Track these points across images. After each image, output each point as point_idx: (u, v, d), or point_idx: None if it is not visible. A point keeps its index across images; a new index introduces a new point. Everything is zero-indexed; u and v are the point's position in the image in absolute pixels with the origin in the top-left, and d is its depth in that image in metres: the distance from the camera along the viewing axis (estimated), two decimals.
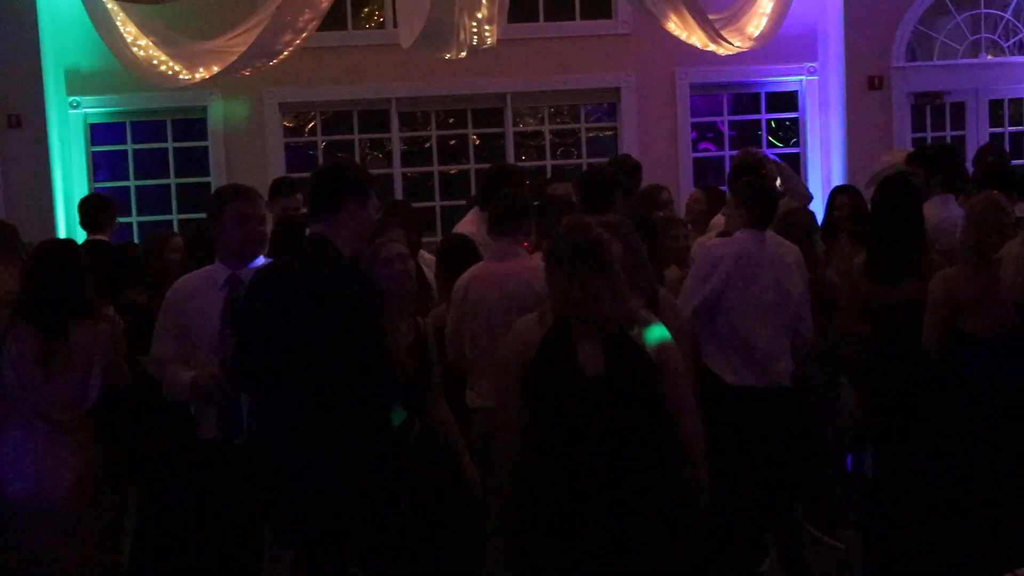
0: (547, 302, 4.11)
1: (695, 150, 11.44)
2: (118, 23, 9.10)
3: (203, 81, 9.32)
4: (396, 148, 11.13)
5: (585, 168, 9.74)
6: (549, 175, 9.65)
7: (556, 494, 3.93)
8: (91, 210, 7.76)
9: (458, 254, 5.67)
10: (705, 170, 11.51)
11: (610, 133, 11.47)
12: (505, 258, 5.20)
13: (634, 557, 3.88)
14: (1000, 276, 5.02)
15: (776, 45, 10.24)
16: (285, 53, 9.03)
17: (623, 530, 3.89)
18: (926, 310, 5.16)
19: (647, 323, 4.08)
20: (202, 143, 10.83)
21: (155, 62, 9.16)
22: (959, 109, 11.22)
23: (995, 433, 4.96)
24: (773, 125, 11.71)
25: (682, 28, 9.40)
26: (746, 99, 11.62)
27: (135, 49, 9.17)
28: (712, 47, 9.64)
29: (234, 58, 8.92)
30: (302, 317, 3.98)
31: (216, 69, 9.10)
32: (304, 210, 5.84)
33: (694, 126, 11.38)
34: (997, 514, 4.92)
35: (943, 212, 6.72)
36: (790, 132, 11.60)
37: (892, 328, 5.44)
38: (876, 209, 5.79)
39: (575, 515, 3.90)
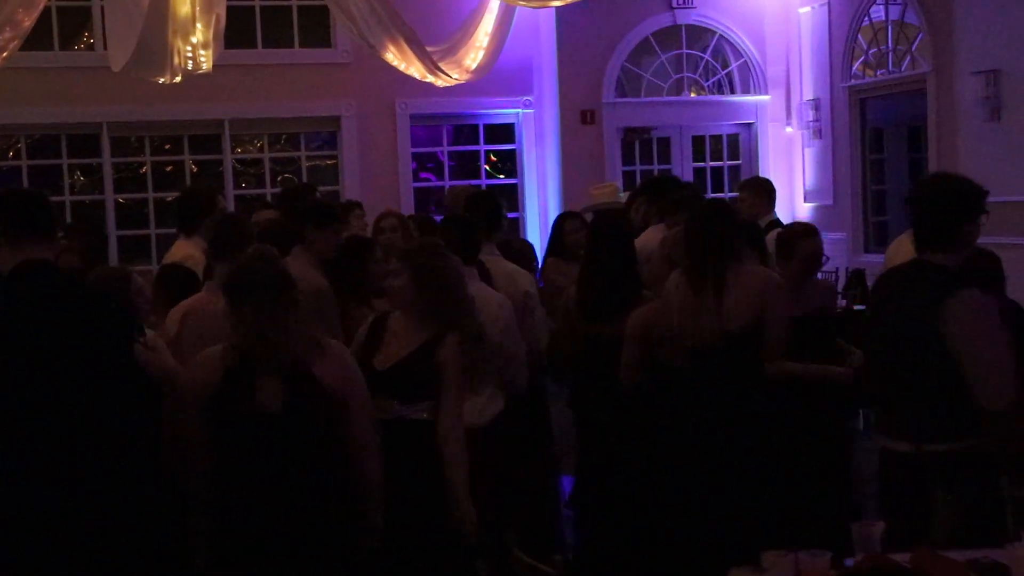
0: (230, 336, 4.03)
1: (416, 179, 11.56)
2: None
3: None
4: (108, 174, 10.75)
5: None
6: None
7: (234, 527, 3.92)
8: None
9: (177, 283, 5.56)
10: (426, 199, 11.65)
11: (331, 162, 11.45)
12: None
13: None
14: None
15: (494, 78, 10.50)
16: None
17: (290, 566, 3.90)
18: (624, 345, 5.32)
19: (325, 351, 4.06)
20: None
21: None
22: (665, 144, 11.80)
23: (690, 452, 5.21)
24: (492, 156, 11.97)
25: (400, 59, 9.50)
26: (466, 130, 11.85)
27: None
28: (431, 78, 9.78)
29: None
30: (50, 344, 3.76)
31: None
32: None
33: (415, 156, 11.51)
34: (694, 534, 5.18)
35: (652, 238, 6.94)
36: (508, 163, 11.90)
37: (597, 360, 5.59)
38: (588, 244, 5.93)
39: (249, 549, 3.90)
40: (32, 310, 3.76)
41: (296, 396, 3.93)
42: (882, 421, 4.27)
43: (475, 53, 10.17)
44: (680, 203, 6.44)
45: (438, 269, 4.53)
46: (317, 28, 11.16)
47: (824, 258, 5.70)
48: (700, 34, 11.63)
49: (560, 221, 7.47)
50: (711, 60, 11.70)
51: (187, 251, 6.24)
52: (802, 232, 5.56)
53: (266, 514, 3.90)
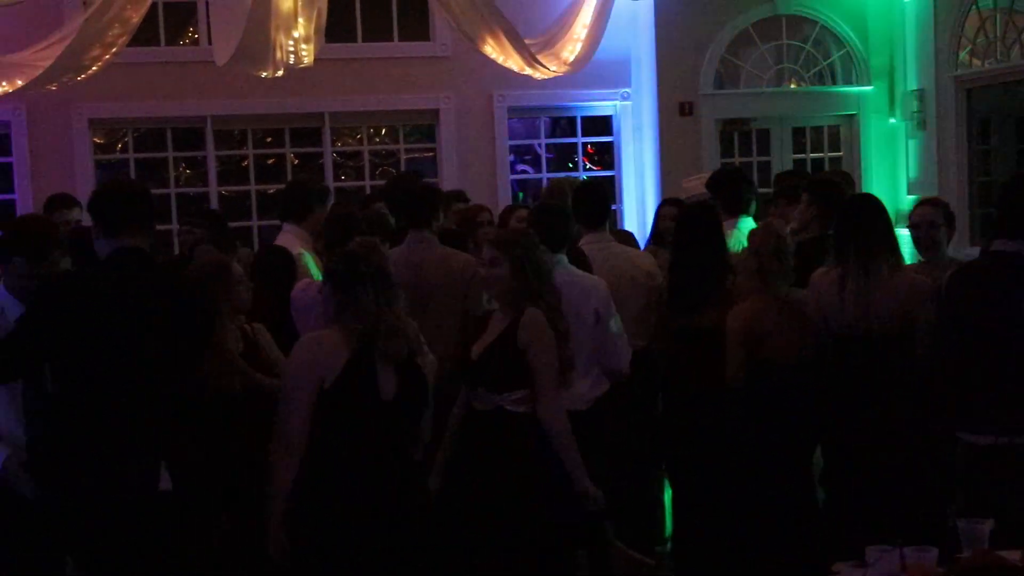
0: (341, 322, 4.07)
1: (513, 172, 11.59)
2: None
3: (7, 95, 9.00)
4: (212, 167, 10.95)
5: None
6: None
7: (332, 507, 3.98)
8: None
9: (275, 266, 5.69)
10: (524, 192, 11.67)
11: (430, 154, 11.52)
12: None
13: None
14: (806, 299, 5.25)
15: (591, 70, 10.48)
16: (94, 68, 8.79)
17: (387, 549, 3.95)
18: (726, 343, 5.28)
19: (427, 354, 4.17)
20: (7, 159, 10.44)
21: None
22: (764, 136, 11.67)
23: (785, 451, 5.16)
24: (590, 148, 11.95)
25: (499, 52, 9.53)
26: (563, 122, 11.85)
27: None
28: (528, 71, 9.80)
29: (39, 72, 8.65)
30: (127, 328, 3.89)
31: (20, 83, 8.80)
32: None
33: (512, 148, 11.53)
34: (796, 528, 5.13)
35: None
36: (606, 155, 11.86)
37: (686, 353, 5.55)
38: (675, 237, 5.90)
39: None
40: (122, 295, 3.91)
41: (408, 386, 3.99)
42: (961, 415, 4.19)
43: (573, 45, 10.17)
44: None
45: (534, 259, 4.57)
46: (416, 22, 11.23)
47: None
48: (801, 24, 11.46)
49: (658, 208, 7.48)
50: (812, 50, 11.53)
51: (288, 240, 6.37)
52: None
53: (376, 502, 3.95)
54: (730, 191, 6.94)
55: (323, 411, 3.97)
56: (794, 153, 11.67)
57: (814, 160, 11.75)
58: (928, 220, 5.53)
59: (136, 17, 8.51)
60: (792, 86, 11.63)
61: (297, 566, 3.99)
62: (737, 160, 11.50)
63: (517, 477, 4.37)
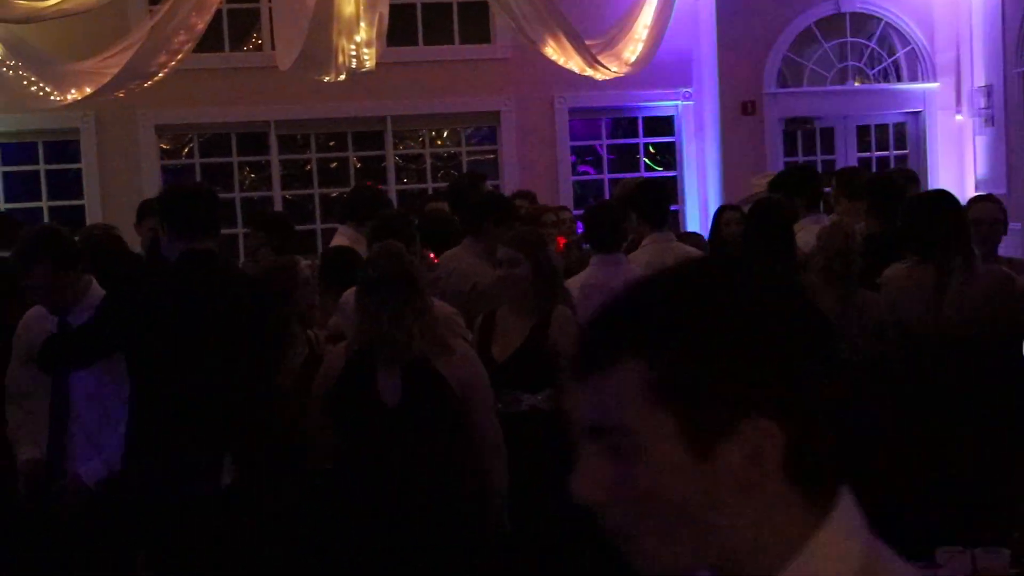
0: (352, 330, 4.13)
1: (575, 173, 11.58)
2: None
3: (76, 102, 9.15)
4: (275, 171, 11.05)
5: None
6: None
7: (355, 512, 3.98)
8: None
9: (343, 265, 5.72)
10: (585, 193, 11.65)
11: (491, 156, 11.55)
12: None
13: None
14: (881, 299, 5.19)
15: (653, 70, 10.44)
16: (160, 75, 8.92)
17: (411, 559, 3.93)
18: None
19: (454, 353, 4.07)
20: (75, 165, 10.62)
21: (25, 83, 8.97)
22: (828, 134, 11.56)
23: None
24: (651, 149, 11.91)
25: (560, 53, 9.53)
26: (624, 123, 11.81)
27: (3, 69, 8.97)
28: (589, 72, 9.79)
29: (107, 79, 8.79)
30: (207, 329, 3.96)
31: (88, 90, 8.94)
32: None
33: (573, 149, 11.52)
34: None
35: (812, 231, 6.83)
36: (667, 156, 11.81)
37: None
38: (745, 234, 5.88)
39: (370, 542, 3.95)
40: (193, 295, 3.98)
41: (415, 391, 3.96)
42: None
43: (634, 46, 10.14)
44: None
45: (549, 260, 4.61)
46: (477, 24, 11.26)
47: None
48: (865, 21, 11.34)
49: (718, 213, 7.42)
50: (877, 48, 11.41)
51: (342, 241, 6.43)
52: None
53: (385, 507, 3.95)
54: (809, 188, 6.90)
55: (327, 415, 4.04)
56: (859, 151, 11.56)
57: (879, 158, 11.62)
58: (992, 217, 5.45)
59: (201, 24, 8.62)
60: (856, 83, 11.51)
61: (298, 566, 4.03)
62: (801, 159, 11.40)
63: (546, 476, 4.35)
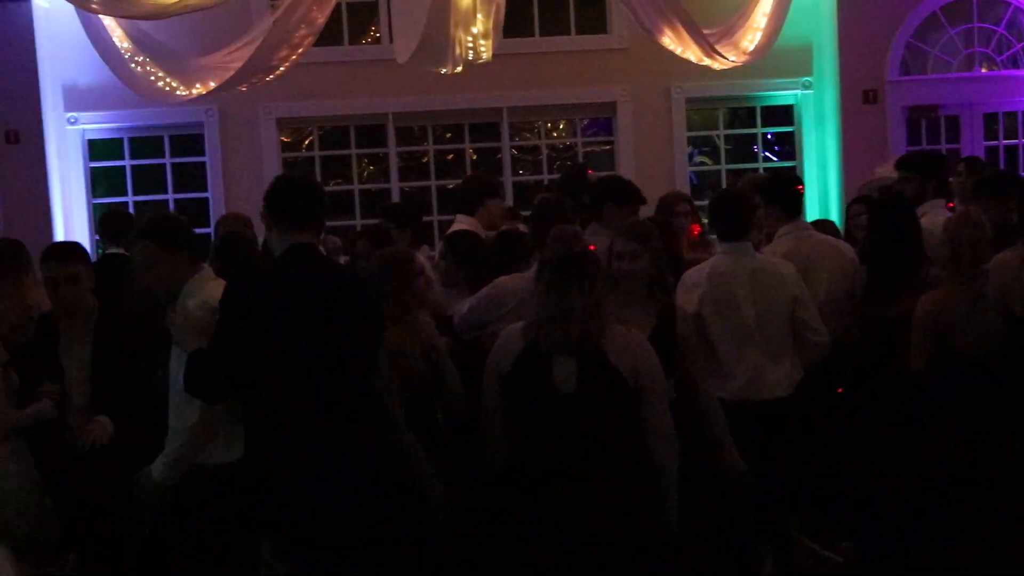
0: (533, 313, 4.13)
1: (691, 164, 11.47)
2: (115, 39, 9.13)
3: (200, 97, 9.34)
4: (393, 163, 11.16)
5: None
6: None
7: (527, 498, 3.98)
8: (115, 224, 7.80)
9: (464, 247, 5.80)
10: (702, 183, 11.54)
11: (607, 147, 11.50)
12: None
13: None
14: (990, 286, 5.06)
15: (771, 59, 10.26)
16: (282, 69, 9.04)
17: (582, 548, 3.91)
18: (912, 330, 5.14)
19: (623, 342, 4.05)
20: (200, 159, 10.87)
21: (152, 78, 9.18)
22: (954, 122, 11.27)
23: (978, 445, 4.99)
24: (769, 139, 11.74)
25: (677, 43, 9.42)
26: (742, 113, 11.67)
27: (132, 65, 9.19)
28: (707, 61, 9.66)
29: (231, 74, 8.94)
30: (313, 323, 4.00)
31: (213, 85, 9.11)
32: None
33: (690, 140, 11.41)
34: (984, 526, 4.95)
35: (936, 218, 6.68)
36: (786, 146, 11.63)
37: (881, 341, 5.44)
38: (870, 227, 5.80)
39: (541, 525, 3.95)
40: (298, 289, 4.01)
41: (590, 378, 3.96)
42: None
43: (753, 34, 9.97)
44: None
45: (664, 251, 4.62)
46: (593, 15, 11.23)
47: None
48: (993, 6, 11.02)
49: (849, 207, 7.33)
50: (1005, 33, 11.07)
51: (463, 227, 6.52)
52: None
53: (557, 495, 3.95)
54: (940, 172, 6.75)
55: (505, 399, 4.16)
56: (986, 140, 11.24)
57: (1007, 147, 11.29)
58: None
59: (322, 18, 8.71)
60: (983, 70, 11.19)
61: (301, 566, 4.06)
62: (924, 148, 11.13)
63: (685, 463, 4.31)
